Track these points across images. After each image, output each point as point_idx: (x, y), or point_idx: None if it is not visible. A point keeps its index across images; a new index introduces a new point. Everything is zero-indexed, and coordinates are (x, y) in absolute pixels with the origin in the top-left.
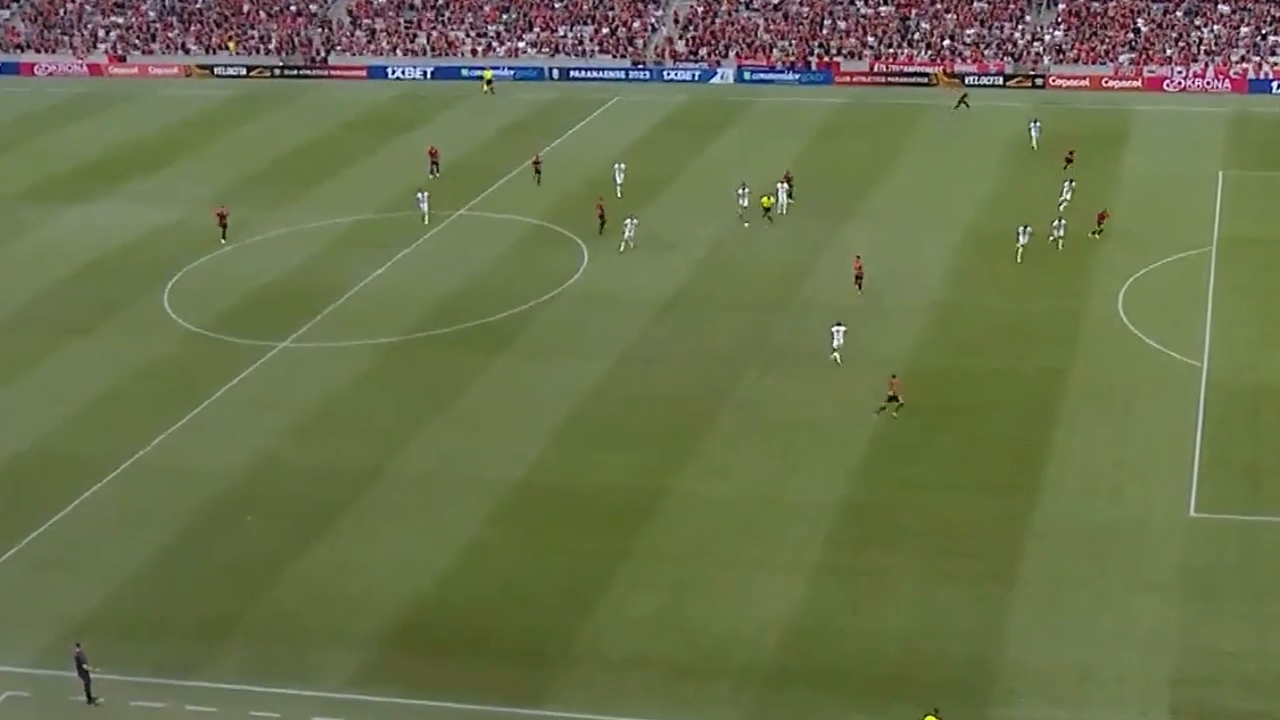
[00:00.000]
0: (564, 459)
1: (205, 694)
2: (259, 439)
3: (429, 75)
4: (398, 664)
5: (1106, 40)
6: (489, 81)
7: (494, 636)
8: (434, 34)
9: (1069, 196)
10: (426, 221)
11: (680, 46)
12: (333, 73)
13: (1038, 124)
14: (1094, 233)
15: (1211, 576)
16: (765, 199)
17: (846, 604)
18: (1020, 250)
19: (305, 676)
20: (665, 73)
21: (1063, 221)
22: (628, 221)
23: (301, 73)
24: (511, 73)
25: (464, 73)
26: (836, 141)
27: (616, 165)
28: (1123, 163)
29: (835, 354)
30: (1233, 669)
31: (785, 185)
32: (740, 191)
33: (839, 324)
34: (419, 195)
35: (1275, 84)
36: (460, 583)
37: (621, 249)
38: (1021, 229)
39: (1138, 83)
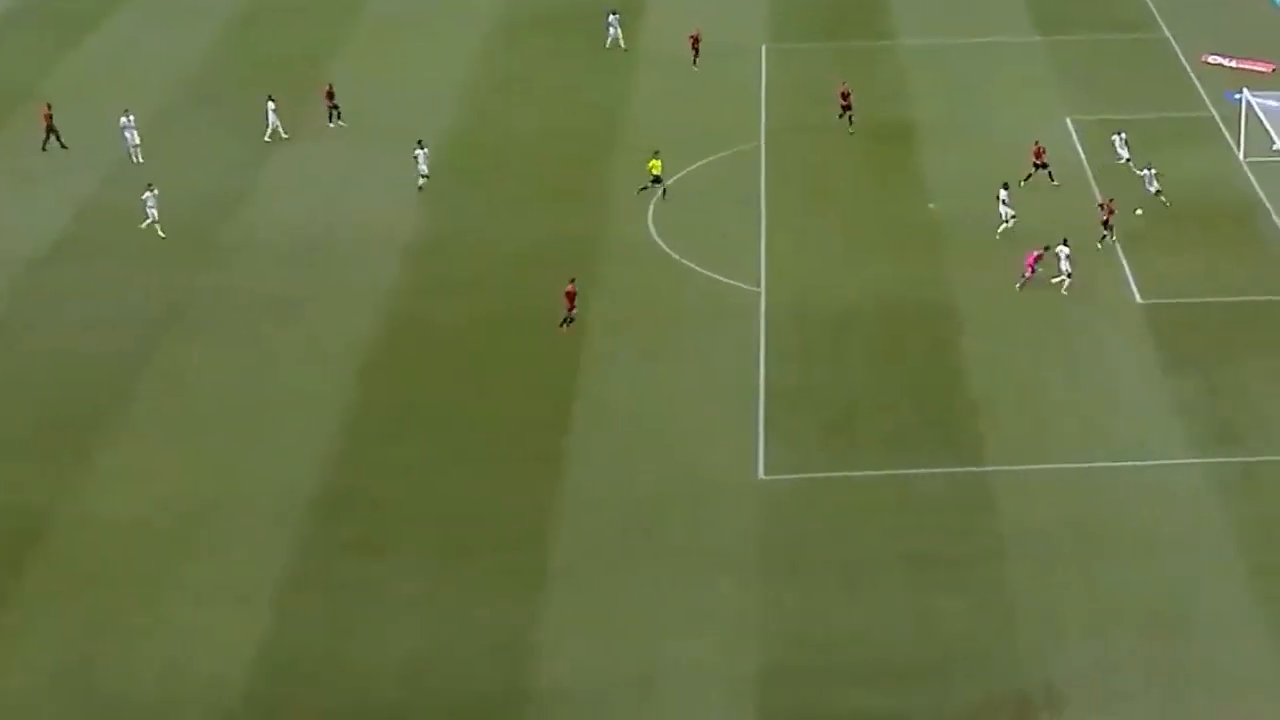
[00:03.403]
0: None
1: None
2: None
3: None
4: None
5: None
6: None
7: None
8: None
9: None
10: None
11: None
12: None
13: (616, 17)
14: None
15: (793, 549)
16: (655, 159)
17: (331, 629)
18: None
19: None
20: None
21: (1152, 170)
22: None
23: None
24: None
25: None
26: (261, 30)
27: (126, 116)
28: (640, 40)
29: (1064, 280)
30: (831, 658)
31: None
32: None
33: (1064, 242)
34: None
35: None
36: None
37: None
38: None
39: None
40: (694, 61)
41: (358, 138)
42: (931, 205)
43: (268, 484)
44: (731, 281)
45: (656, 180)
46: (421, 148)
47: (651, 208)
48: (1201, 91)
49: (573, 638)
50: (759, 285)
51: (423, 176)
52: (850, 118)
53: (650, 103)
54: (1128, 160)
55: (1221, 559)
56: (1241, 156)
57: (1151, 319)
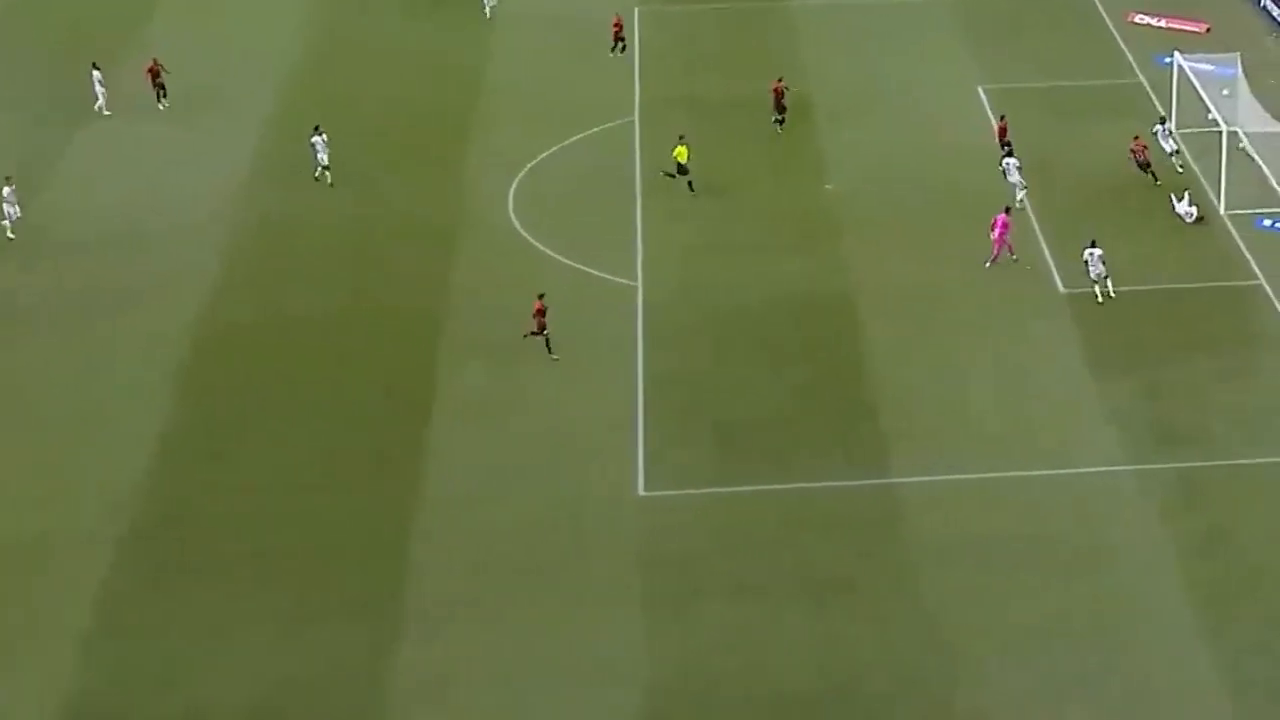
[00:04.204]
0: None
1: None
2: None
3: None
4: None
5: None
6: None
7: None
8: None
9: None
10: None
11: None
12: None
13: None
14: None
15: (679, 573)
16: (680, 149)
17: (151, 675)
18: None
19: None
20: None
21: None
22: None
23: None
24: None
25: None
26: None
27: None
28: (501, 2)
29: (1103, 286)
30: (725, 695)
31: None
32: None
33: (1092, 244)
34: None
35: None
36: None
37: None
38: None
39: None
40: (620, 49)
41: (180, 111)
42: (829, 186)
43: (74, 508)
44: (603, 274)
45: (682, 170)
46: (319, 134)
47: (513, 190)
48: (1128, 55)
49: (434, 677)
50: (635, 278)
51: (323, 167)
52: (780, 120)
53: (511, 72)
54: (1176, 152)
55: (1160, 573)
56: (1173, 127)
57: (1077, 311)
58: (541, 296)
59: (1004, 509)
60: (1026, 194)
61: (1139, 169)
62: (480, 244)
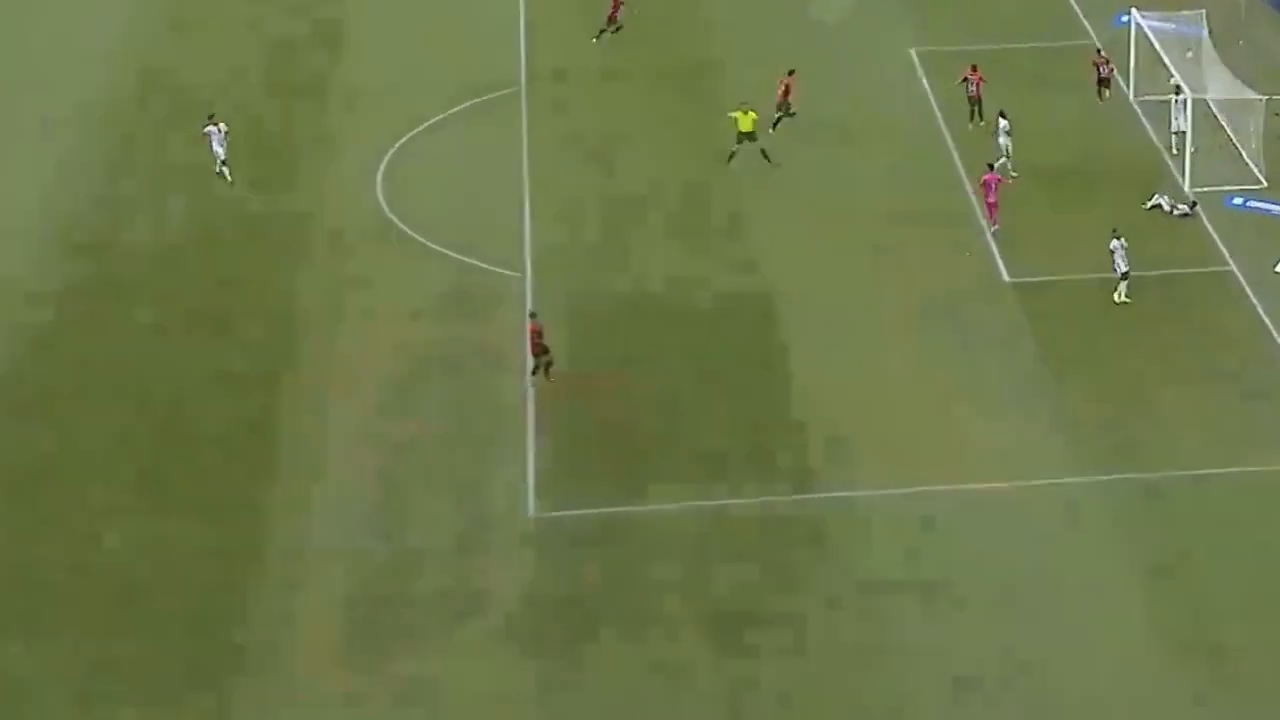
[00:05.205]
0: None
1: None
2: None
3: None
4: None
5: None
6: None
7: None
8: None
9: None
10: None
11: None
12: None
13: None
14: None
15: (572, 606)
16: (744, 113)
17: None
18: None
19: None
20: None
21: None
22: None
23: None
24: None
25: None
26: None
27: None
28: None
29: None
30: None
31: None
32: None
33: (1115, 235)
34: None
35: None
36: None
37: None
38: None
39: None
40: (615, 30)
41: None
42: (728, 161)
43: None
44: (486, 265)
45: (750, 138)
46: (214, 123)
47: (380, 172)
48: (1078, 11)
49: None
50: (522, 270)
51: (221, 162)
52: (777, 121)
53: (372, 36)
54: (1180, 133)
55: (1118, 601)
56: (1131, 95)
57: (1024, 302)
58: (534, 316)
59: (944, 527)
60: (1011, 162)
61: (1096, 83)
62: (345, 233)
